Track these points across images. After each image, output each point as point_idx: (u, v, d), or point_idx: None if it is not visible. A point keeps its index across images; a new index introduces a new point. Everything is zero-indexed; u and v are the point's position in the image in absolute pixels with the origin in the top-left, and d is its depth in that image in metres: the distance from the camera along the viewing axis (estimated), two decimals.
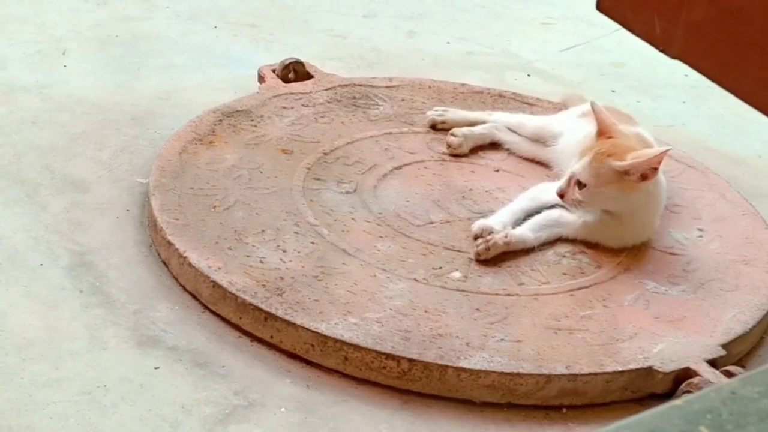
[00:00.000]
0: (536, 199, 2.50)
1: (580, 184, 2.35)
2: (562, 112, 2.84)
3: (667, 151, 2.39)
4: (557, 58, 3.54)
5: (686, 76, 3.31)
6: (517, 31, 3.68)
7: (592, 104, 2.45)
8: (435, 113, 2.83)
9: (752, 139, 3.11)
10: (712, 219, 2.63)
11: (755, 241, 2.57)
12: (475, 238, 2.42)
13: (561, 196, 2.38)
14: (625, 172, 2.34)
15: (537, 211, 2.48)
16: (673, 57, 1.16)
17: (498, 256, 2.39)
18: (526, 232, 2.42)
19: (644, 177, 2.35)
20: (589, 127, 2.56)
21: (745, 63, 1.08)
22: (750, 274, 2.46)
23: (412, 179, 2.65)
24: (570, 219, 2.46)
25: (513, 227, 2.44)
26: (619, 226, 2.43)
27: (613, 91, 3.35)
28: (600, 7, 1.23)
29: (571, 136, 2.64)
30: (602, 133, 2.41)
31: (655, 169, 2.35)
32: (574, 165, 2.38)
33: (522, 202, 2.50)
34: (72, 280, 2.30)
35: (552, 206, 2.47)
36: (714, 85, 1.18)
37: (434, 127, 2.82)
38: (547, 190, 2.51)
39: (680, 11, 1.14)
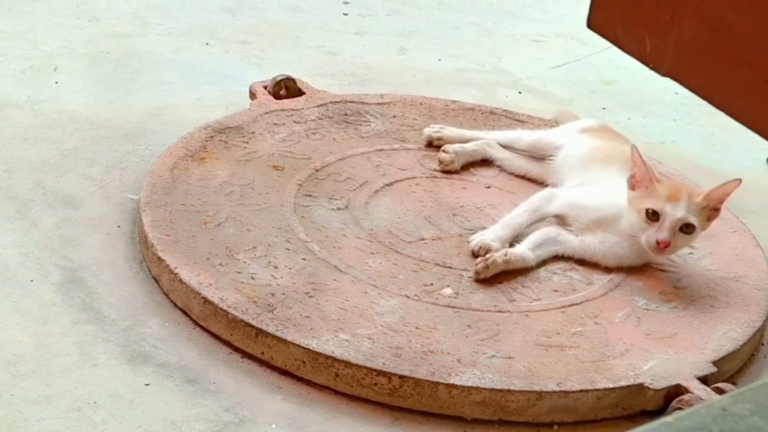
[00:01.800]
0: (537, 210, 2.48)
1: (688, 228, 2.34)
2: (557, 127, 2.85)
3: (739, 181, 2.37)
4: (548, 75, 3.55)
5: (676, 93, 3.33)
6: (509, 48, 3.69)
7: (633, 148, 2.39)
8: (432, 130, 2.83)
9: (742, 157, 3.12)
10: (703, 236, 2.63)
11: (746, 257, 2.58)
12: (474, 254, 2.42)
13: (665, 246, 2.32)
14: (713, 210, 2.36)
15: (537, 222, 2.48)
16: (664, 74, 1.17)
17: (495, 275, 2.39)
18: (525, 250, 2.42)
19: (716, 211, 2.38)
20: (594, 143, 2.57)
21: (735, 80, 1.09)
22: (741, 290, 2.46)
23: (404, 196, 2.65)
24: (568, 238, 2.46)
25: (510, 241, 2.44)
26: (628, 250, 2.42)
27: (603, 109, 3.36)
28: (591, 24, 1.24)
29: (572, 149, 2.64)
30: (644, 177, 2.36)
31: (718, 210, 2.38)
32: (670, 211, 2.32)
33: (522, 216, 2.48)
34: (62, 296, 2.30)
35: (550, 219, 2.47)
36: (704, 103, 1.18)
37: (431, 144, 2.82)
38: (550, 200, 2.49)
39: (671, 29, 1.14)
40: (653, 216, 2.32)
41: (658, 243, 2.31)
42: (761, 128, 1.07)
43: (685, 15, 1.11)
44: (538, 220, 2.49)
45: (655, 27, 1.15)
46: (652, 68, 1.17)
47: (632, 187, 2.39)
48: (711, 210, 2.37)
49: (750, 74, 1.05)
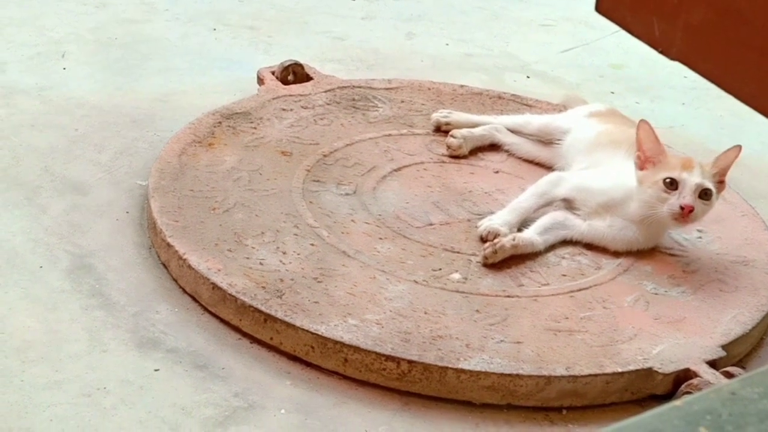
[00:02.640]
0: (545, 194, 2.48)
1: (706, 195, 2.35)
2: (565, 112, 2.84)
3: (740, 148, 2.40)
4: (556, 59, 3.54)
5: (685, 77, 3.32)
6: (516, 33, 3.68)
7: (643, 122, 2.40)
8: (440, 115, 2.83)
9: (751, 140, 3.10)
10: (712, 220, 2.63)
11: (755, 242, 2.57)
12: (482, 239, 2.42)
13: (689, 210, 2.33)
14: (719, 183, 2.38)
15: (545, 206, 2.48)
16: (673, 59, 1.16)
17: (503, 259, 2.39)
18: (533, 235, 2.42)
19: (722, 183, 2.40)
20: (601, 126, 2.56)
21: (744, 64, 1.08)
22: (750, 275, 2.46)
23: (412, 181, 2.65)
24: (576, 222, 2.46)
25: (519, 225, 2.44)
26: (637, 233, 2.42)
27: (612, 93, 3.35)
28: (599, 8, 1.23)
29: (580, 133, 2.64)
30: (655, 151, 2.38)
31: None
32: (688, 178, 2.34)
33: (530, 200, 2.48)
34: (72, 282, 2.30)
35: (558, 203, 2.47)
36: (713, 87, 1.18)
37: (439, 129, 2.82)
38: (558, 183, 2.49)
39: (679, 13, 1.14)
40: (671, 185, 2.33)
41: (682, 208, 2.31)
42: None
43: None
44: (546, 204, 2.49)
45: (663, 11, 1.14)
46: (661, 52, 1.17)
47: (640, 167, 2.39)
48: (718, 182, 2.37)
49: (759, 58, 1.05)
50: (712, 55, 1.11)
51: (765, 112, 1.09)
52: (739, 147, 2.39)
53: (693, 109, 3.31)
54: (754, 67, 1.07)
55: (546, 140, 2.73)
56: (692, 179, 2.34)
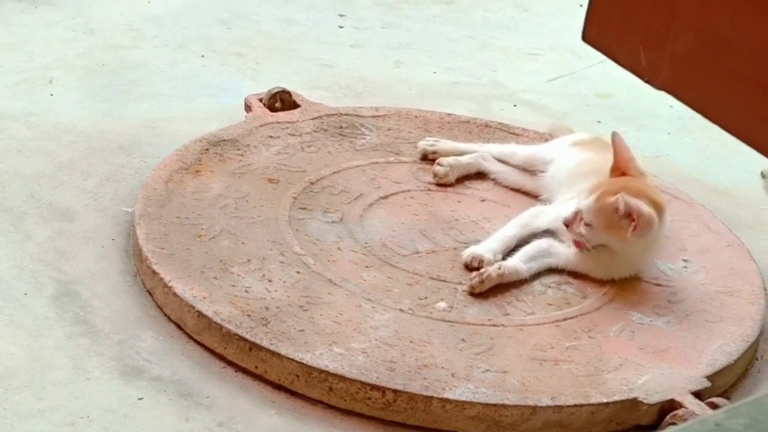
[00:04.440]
0: (527, 225, 2.50)
1: (586, 223, 2.35)
2: (551, 141, 2.85)
3: (630, 201, 2.31)
4: (543, 88, 3.55)
5: (671, 107, 3.33)
6: (504, 62, 3.70)
7: (614, 136, 2.42)
8: (427, 143, 2.83)
9: (737, 170, 3.12)
10: (697, 250, 2.63)
11: (740, 272, 2.58)
12: (466, 266, 2.42)
13: (567, 225, 2.38)
14: (620, 218, 2.31)
15: (528, 237, 2.48)
16: (659, 88, 1.16)
17: (489, 288, 2.38)
18: (518, 263, 2.42)
19: (635, 228, 2.32)
20: (583, 155, 2.57)
21: (730, 94, 1.09)
22: (735, 305, 2.46)
23: (398, 209, 2.65)
24: (560, 250, 2.46)
25: (503, 254, 2.44)
26: (612, 260, 2.42)
27: (598, 122, 3.36)
28: (585, 37, 1.23)
29: (562, 163, 2.65)
30: (618, 168, 2.39)
31: (633, 220, 2.31)
32: (582, 200, 2.36)
33: (513, 229, 2.49)
34: (56, 309, 2.29)
35: (542, 233, 2.47)
36: (698, 116, 1.18)
37: (426, 157, 2.82)
38: (538, 216, 2.51)
39: (666, 42, 1.14)
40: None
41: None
42: (756, 142, 1.07)
43: (680, 28, 1.11)
44: (530, 235, 2.49)
45: (649, 40, 1.15)
46: (647, 81, 1.17)
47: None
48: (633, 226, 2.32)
49: (745, 88, 1.05)
50: (698, 84, 1.11)
51: (751, 142, 1.09)
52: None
53: (679, 138, 3.32)
54: (739, 96, 1.07)
55: (531, 170, 2.74)
56: (580, 203, 2.35)
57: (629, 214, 2.30)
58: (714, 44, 1.08)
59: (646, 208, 2.31)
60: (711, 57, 1.09)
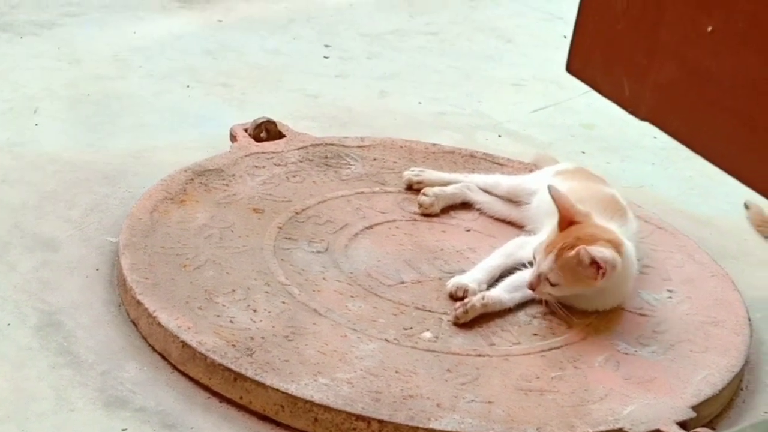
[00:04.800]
0: (512, 255, 2.50)
1: (551, 282, 2.35)
2: (536, 171, 2.86)
3: (588, 252, 2.30)
4: (528, 119, 3.56)
5: (655, 138, 3.35)
6: (488, 92, 3.71)
7: (550, 189, 2.42)
8: (412, 173, 2.84)
9: (720, 201, 3.13)
10: (682, 280, 2.64)
11: (724, 302, 2.58)
12: (451, 296, 2.43)
13: (531, 289, 2.38)
14: (585, 269, 2.31)
15: (512, 267, 2.48)
16: (642, 118, 1.17)
17: (474, 318, 2.38)
18: (502, 293, 2.42)
19: (599, 270, 2.32)
20: (567, 185, 2.57)
21: (712, 125, 1.09)
22: (719, 335, 2.46)
23: (384, 239, 2.65)
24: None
25: (488, 284, 2.44)
26: (593, 295, 2.42)
27: (583, 152, 3.37)
28: (569, 68, 1.24)
29: (545, 194, 2.65)
30: (564, 219, 2.39)
31: (599, 267, 2.30)
32: (541, 262, 2.35)
33: (497, 259, 2.50)
34: (40, 339, 2.28)
35: (527, 263, 2.47)
36: (682, 147, 1.19)
37: (411, 187, 2.83)
38: (523, 246, 2.52)
39: (649, 73, 1.15)
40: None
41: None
42: (739, 173, 1.07)
43: (663, 59, 1.12)
44: (514, 265, 2.49)
45: (633, 71, 1.15)
46: (630, 112, 1.18)
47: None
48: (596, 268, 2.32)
49: (727, 119, 1.06)
50: (681, 115, 1.12)
51: (733, 173, 1.09)
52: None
53: (662, 169, 3.34)
54: (722, 128, 1.08)
55: (516, 201, 2.74)
56: (540, 266, 2.34)
57: (594, 263, 2.31)
58: (696, 75, 1.09)
59: (608, 253, 2.31)
60: (693, 88, 1.10)
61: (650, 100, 1.14)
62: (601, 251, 2.30)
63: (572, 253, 2.30)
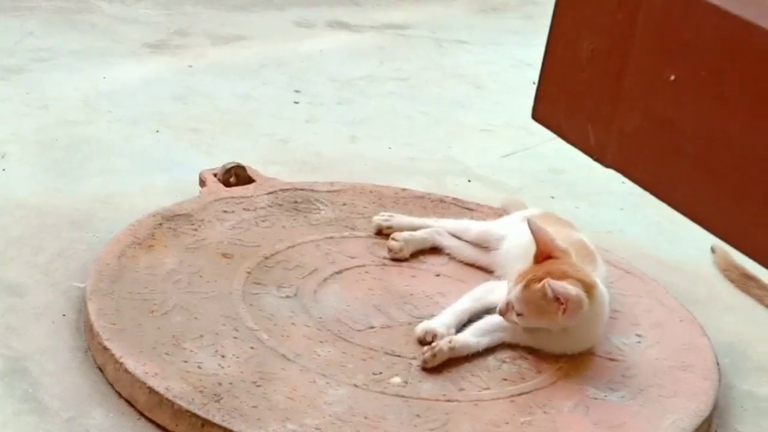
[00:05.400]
0: (480, 299, 2.51)
1: (517, 313, 2.36)
2: (504, 217, 2.87)
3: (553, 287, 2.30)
4: (498, 164, 3.58)
5: (623, 183, 3.33)
6: (459, 138, 3.73)
7: (529, 222, 2.43)
8: (381, 218, 2.84)
9: (688, 246, 3.15)
10: (651, 324, 2.65)
11: (693, 347, 2.59)
12: (419, 341, 2.42)
13: (501, 314, 2.39)
14: (548, 303, 2.31)
15: (481, 311, 2.48)
16: (607, 166, 1.18)
17: (443, 363, 2.38)
18: (469, 337, 2.42)
19: (564, 311, 2.32)
20: None
21: (676, 172, 1.10)
22: (688, 380, 2.46)
23: (353, 284, 2.64)
24: (512, 325, 2.46)
25: (457, 328, 2.44)
26: (562, 336, 2.43)
27: (552, 197, 3.39)
28: (535, 116, 1.25)
29: (514, 239, 2.66)
30: (542, 253, 2.40)
31: (560, 301, 2.30)
32: (511, 289, 2.37)
33: (466, 303, 2.50)
34: (5, 386, 2.26)
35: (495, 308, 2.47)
36: None
37: (380, 232, 2.83)
38: (492, 291, 2.52)
39: (614, 121, 1.16)
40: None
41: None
42: (702, 219, 1.08)
43: (626, 108, 1.13)
44: (483, 310, 2.49)
45: (597, 119, 1.16)
46: (596, 159, 1.19)
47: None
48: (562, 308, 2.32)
49: (690, 167, 1.07)
50: (646, 162, 1.13)
51: (697, 219, 1.10)
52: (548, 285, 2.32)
53: (631, 214, 3.36)
54: (685, 175, 1.09)
55: (485, 246, 2.75)
56: (510, 294, 2.37)
57: (557, 298, 2.31)
58: (660, 124, 1.10)
59: (573, 290, 2.32)
60: (657, 136, 1.11)
61: (615, 148, 1.15)
62: (565, 287, 2.30)
63: (539, 285, 2.30)
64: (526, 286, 2.33)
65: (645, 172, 1.14)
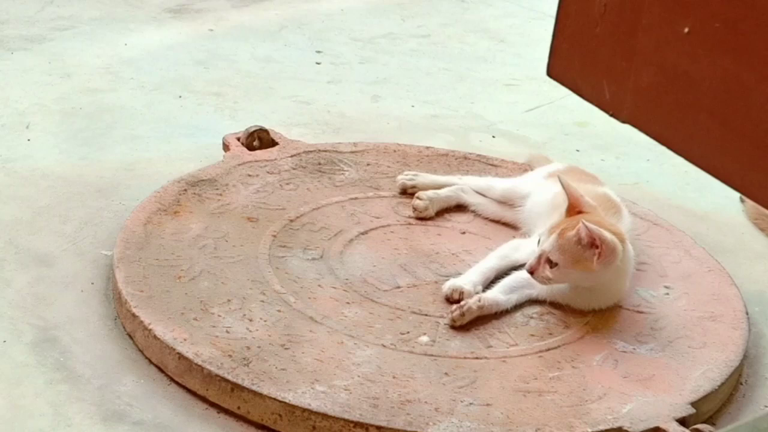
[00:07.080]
0: (507, 257, 2.50)
1: (551, 263, 2.35)
2: (529, 172, 2.86)
3: (584, 225, 2.30)
4: (522, 118, 3.56)
5: None
6: (482, 93, 3.71)
7: (560, 179, 2.42)
8: (405, 177, 2.83)
9: (716, 195, 3.12)
10: (679, 276, 2.64)
11: (722, 297, 2.58)
12: (447, 298, 2.42)
13: (531, 272, 2.37)
14: (584, 249, 2.32)
15: (507, 269, 2.48)
16: (623, 121, 1.17)
17: (471, 321, 2.38)
18: (498, 294, 2.42)
19: (600, 256, 2.32)
20: (558, 186, 2.57)
21: (692, 126, 1.09)
22: (717, 330, 2.46)
23: (379, 244, 2.64)
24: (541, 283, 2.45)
25: (483, 286, 2.44)
26: (589, 291, 2.42)
27: (577, 151, 3.37)
28: (550, 72, 1.24)
29: (538, 196, 2.65)
30: (572, 207, 2.40)
31: (595, 245, 2.30)
32: (544, 242, 2.36)
33: (492, 260, 2.50)
34: (36, 356, 2.28)
35: (522, 265, 2.46)
36: None
37: (405, 191, 2.82)
38: (518, 248, 2.52)
39: (628, 76, 1.15)
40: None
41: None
42: (720, 172, 1.07)
43: (641, 62, 1.11)
44: (510, 267, 2.49)
45: (612, 74, 1.15)
46: (611, 115, 1.18)
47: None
48: (597, 253, 2.32)
49: (706, 120, 1.06)
50: (661, 117, 1.12)
51: (714, 173, 1.09)
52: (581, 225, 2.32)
53: (658, 165, 3.33)
54: (701, 129, 1.08)
55: (509, 204, 2.74)
56: (543, 245, 2.34)
57: (592, 243, 2.31)
58: (675, 77, 1.09)
59: (608, 235, 2.32)
60: (672, 91, 1.10)
61: (630, 103, 1.14)
62: (602, 232, 2.31)
63: (573, 232, 2.30)
64: (561, 234, 2.33)
65: (661, 126, 1.13)
